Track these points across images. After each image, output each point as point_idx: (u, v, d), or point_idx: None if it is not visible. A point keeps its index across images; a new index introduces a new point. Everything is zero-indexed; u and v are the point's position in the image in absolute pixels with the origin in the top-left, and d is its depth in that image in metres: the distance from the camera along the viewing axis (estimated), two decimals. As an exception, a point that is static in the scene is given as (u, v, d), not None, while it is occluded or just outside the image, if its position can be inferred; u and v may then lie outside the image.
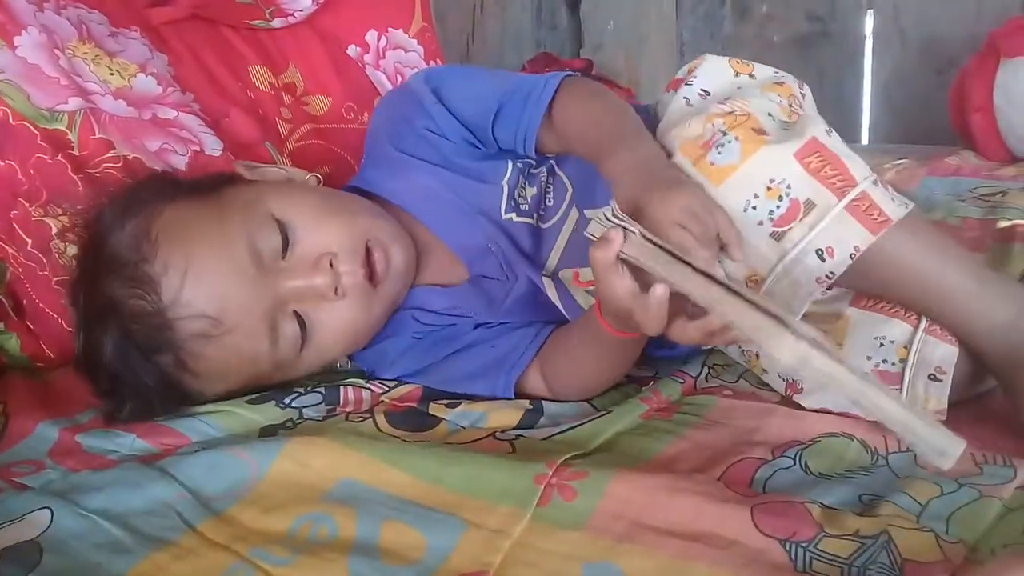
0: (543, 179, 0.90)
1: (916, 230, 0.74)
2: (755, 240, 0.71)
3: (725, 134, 0.71)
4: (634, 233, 0.64)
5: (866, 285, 0.76)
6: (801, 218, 0.70)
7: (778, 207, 0.70)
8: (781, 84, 0.82)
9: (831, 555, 0.59)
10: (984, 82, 1.66)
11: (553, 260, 0.88)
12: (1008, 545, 0.59)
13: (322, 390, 0.87)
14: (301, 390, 0.87)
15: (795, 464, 0.71)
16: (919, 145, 1.89)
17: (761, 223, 0.70)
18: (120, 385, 0.80)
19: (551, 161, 0.90)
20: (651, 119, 0.91)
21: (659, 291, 0.63)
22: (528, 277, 0.88)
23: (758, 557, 0.59)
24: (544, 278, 0.87)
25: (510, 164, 0.90)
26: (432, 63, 1.33)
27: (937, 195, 1.48)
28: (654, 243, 0.64)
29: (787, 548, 0.60)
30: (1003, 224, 1.25)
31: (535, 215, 0.89)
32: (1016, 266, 1.10)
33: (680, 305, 0.64)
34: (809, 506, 0.64)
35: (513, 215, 0.89)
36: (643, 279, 0.65)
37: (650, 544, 0.61)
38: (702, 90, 0.82)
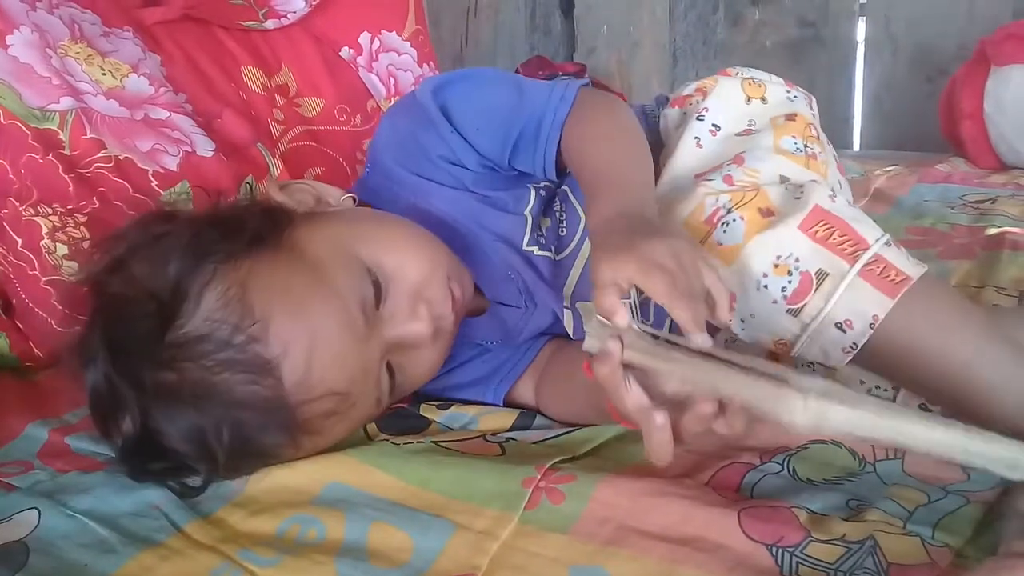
0: (556, 208, 0.87)
1: (931, 296, 0.68)
2: (775, 317, 0.68)
3: (730, 211, 0.70)
4: (627, 328, 0.60)
5: (883, 365, 0.70)
6: (815, 290, 0.67)
7: (789, 283, 0.67)
8: (793, 119, 0.80)
9: (817, 560, 0.59)
10: (974, 90, 1.67)
11: (568, 290, 0.86)
12: (995, 551, 0.59)
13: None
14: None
15: (783, 469, 0.71)
16: (909, 152, 1.89)
17: (775, 302, 0.68)
18: (183, 463, 0.70)
19: (564, 188, 0.87)
20: (647, 121, 0.92)
21: (659, 420, 0.58)
22: (549, 306, 0.86)
23: (745, 561, 0.59)
24: (565, 309, 0.85)
25: (532, 192, 0.86)
26: (425, 66, 1.33)
27: (927, 202, 1.48)
28: (649, 333, 0.61)
29: (774, 553, 0.60)
30: (992, 231, 1.26)
31: (552, 247, 0.87)
32: (1004, 273, 1.10)
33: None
34: (796, 511, 0.64)
35: (535, 248, 0.86)
36: (651, 381, 0.61)
37: (637, 548, 0.61)
38: (713, 125, 0.80)
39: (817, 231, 0.68)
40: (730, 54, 2.20)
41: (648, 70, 2.26)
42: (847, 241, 0.68)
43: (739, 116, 0.81)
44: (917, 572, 0.58)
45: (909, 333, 0.66)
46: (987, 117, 1.65)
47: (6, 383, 0.94)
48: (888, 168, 1.68)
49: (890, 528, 0.62)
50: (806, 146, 0.78)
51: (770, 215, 0.70)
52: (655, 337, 0.60)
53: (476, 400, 0.85)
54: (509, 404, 0.86)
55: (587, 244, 0.85)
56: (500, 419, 0.82)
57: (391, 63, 1.29)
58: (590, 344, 0.62)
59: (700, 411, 0.58)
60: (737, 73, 0.87)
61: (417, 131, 0.85)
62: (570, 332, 0.85)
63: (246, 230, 0.74)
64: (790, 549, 0.60)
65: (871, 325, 0.66)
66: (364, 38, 1.28)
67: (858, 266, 0.66)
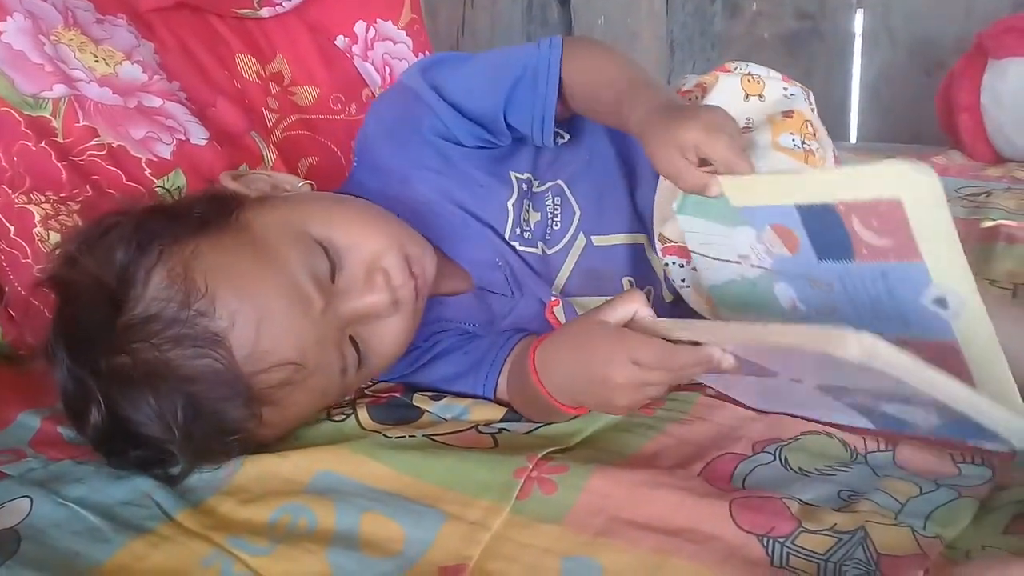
0: (549, 202, 0.88)
1: None
2: None
3: None
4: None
5: None
6: None
7: None
8: (791, 116, 0.81)
9: (808, 551, 0.59)
10: (972, 83, 1.67)
11: (559, 283, 0.87)
12: (986, 546, 0.60)
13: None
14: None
15: (775, 460, 0.71)
16: (907, 144, 1.90)
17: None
18: (163, 449, 0.70)
19: (560, 182, 0.88)
20: None
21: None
22: (536, 296, 0.86)
23: (736, 552, 0.59)
24: (554, 297, 0.86)
25: (515, 183, 0.87)
26: (421, 55, 1.32)
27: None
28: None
29: (764, 543, 0.60)
30: (987, 224, 1.26)
31: (539, 243, 0.87)
32: (999, 265, 1.11)
33: None
34: (788, 502, 0.64)
35: (517, 244, 0.87)
36: None
37: (629, 539, 0.61)
38: None
39: None
40: (728, 46, 2.20)
41: (646, 61, 2.25)
42: None
43: (737, 115, 0.81)
44: (907, 563, 0.58)
45: None
46: (984, 110, 1.65)
47: (-1, 371, 0.94)
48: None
49: (881, 519, 0.62)
50: (803, 142, 0.79)
51: None
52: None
53: (469, 393, 0.85)
54: (498, 399, 0.85)
55: (580, 239, 0.86)
56: (493, 410, 0.82)
57: (386, 52, 1.29)
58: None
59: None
60: (736, 69, 0.87)
61: (406, 112, 0.86)
62: (561, 320, 0.85)
63: (192, 214, 0.75)
64: (781, 540, 0.60)
65: None
66: (359, 27, 1.28)
67: None
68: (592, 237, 0.87)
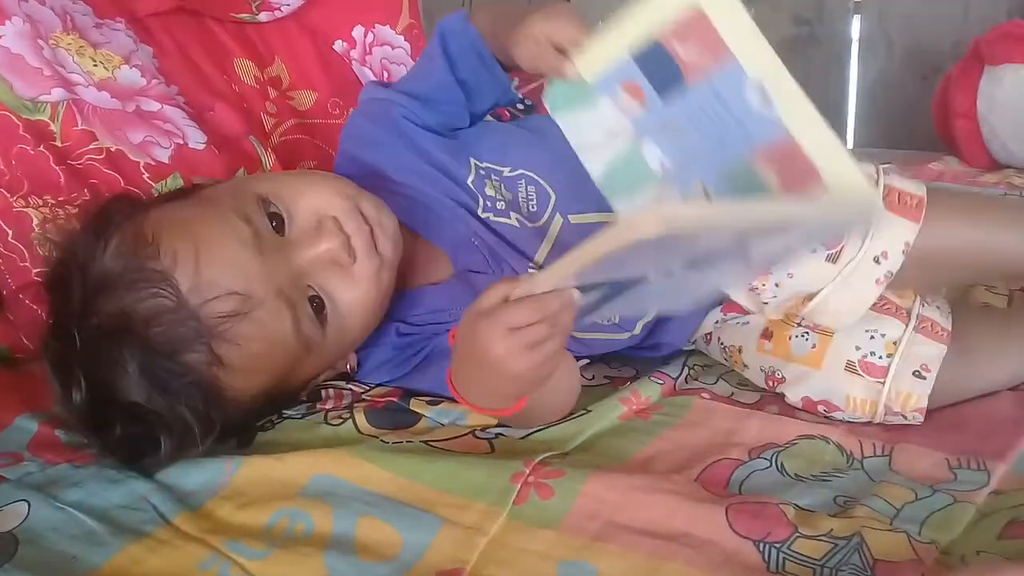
0: (523, 189, 0.89)
1: (946, 207, 0.77)
2: (813, 269, 0.74)
3: None
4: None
5: (919, 275, 0.77)
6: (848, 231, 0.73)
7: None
8: None
9: (804, 556, 0.59)
10: (968, 89, 1.67)
11: (540, 259, 0.88)
12: (981, 552, 0.60)
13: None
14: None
15: (771, 466, 0.72)
16: (903, 150, 1.90)
17: (815, 250, 0.73)
18: (148, 419, 0.71)
19: (531, 173, 0.90)
20: None
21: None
22: (514, 271, 0.87)
23: (732, 557, 0.60)
24: (531, 269, 0.87)
25: (472, 164, 0.90)
26: (419, 60, 1.33)
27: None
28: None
29: (761, 549, 0.60)
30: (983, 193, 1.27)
31: (512, 214, 0.89)
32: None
33: None
34: (784, 507, 0.64)
35: (491, 215, 0.88)
36: None
37: (625, 543, 0.61)
38: None
39: None
40: (725, 51, 2.21)
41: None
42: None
43: None
44: (903, 569, 0.58)
45: (948, 240, 0.76)
46: (980, 116, 1.65)
47: (-4, 375, 0.94)
48: (881, 166, 1.68)
49: (877, 525, 0.62)
50: None
51: None
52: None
53: None
54: None
55: (558, 218, 0.88)
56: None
57: (384, 57, 1.29)
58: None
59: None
60: None
61: (374, 111, 0.92)
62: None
63: (153, 197, 0.82)
64: (777, 545, 0.60)
65: (903, 251, 0.73)
66: (358, 31, 1.28)
67: (879, 199, 0.73)
68: (568, 216, 0.88)
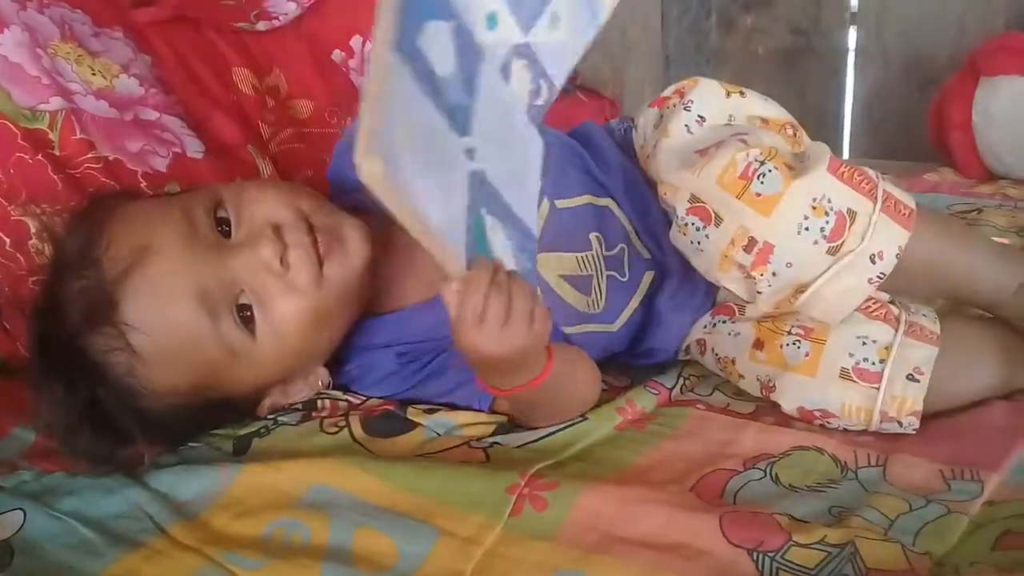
0: None
1: (929, 222, 0.80)
2: (813, 259, 0.75)
3: (763, 163, 0.74)
4: None
5: (897, 281, 0.78)
6: (849, 228, 0.74)
7: (827, 223, 0.74)
8: (767, 123, 0.84)
9: (798, 565, 0.60)
10: (964, 100, 1.67)
11: None
12: (975, 563, 0.60)
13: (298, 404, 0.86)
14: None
15: (765, 476, 0.72)
16: (899, 161, 1.90)
17: (816, 242, 0.74)
18: (72, 408, 0.74)
19: None
20: (613, 136, 0.98)
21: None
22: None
23: (727, 568, 0.60)
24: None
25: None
26: (416, 70, 1.33)
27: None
28: None
29: (755, 558, 0.60)
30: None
31: None
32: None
33: None
34: (778, 517, 0.64)
35: None
36: None
37: (621, 555, 0.61)
38: (699, 116, 0.83)
39: (843, 172, 0.75)
40: (723, 61, 2.21)
41: (641, 76, 2.26)
42: (863, 179, 0.76)
43: (721, 109, 0.85)
44: (896, 578, 0.58)
45: (923, 251, 0.78)
46: (976, 128, 1.66)
47: (-7, 383, 0.93)
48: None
49: (871, 535, 0.62)
50: (794, 134, 0.83)
51: (791, 170, 0.75)
52: None
53: (465, 405, 0.85)
54: (494, 410, 0.85)
55: (545, 203, 0.88)
56: (484, 425, 0.82)
57: (382, 67, 1.29)
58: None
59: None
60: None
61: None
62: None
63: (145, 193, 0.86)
64: (771, 554, 0.60)
65: (897, 255, 0.75)
66: (355, 41, 1.28)
67: (879, 204, 0.75)
68: (555, 200, 0.89)
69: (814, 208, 0.74)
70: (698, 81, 0.86)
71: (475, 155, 0.59)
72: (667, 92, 0.89)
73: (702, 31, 2.24)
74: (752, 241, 0.75)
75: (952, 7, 1.96)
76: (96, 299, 0.73)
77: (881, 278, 0.76)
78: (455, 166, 0.58)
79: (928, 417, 0.77)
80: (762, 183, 0.74)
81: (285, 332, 0.79)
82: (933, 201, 1.54)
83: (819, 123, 2.07)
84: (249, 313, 0.77)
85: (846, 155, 2.14)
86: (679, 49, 2.24)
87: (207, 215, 0.78)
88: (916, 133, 1.87)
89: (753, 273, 0.76)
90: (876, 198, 0.75)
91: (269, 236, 0.77)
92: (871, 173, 0.77)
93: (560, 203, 0.90)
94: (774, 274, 0.75)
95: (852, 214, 0.74)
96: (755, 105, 0.86)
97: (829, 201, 0.74)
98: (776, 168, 0.74)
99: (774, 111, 0.86)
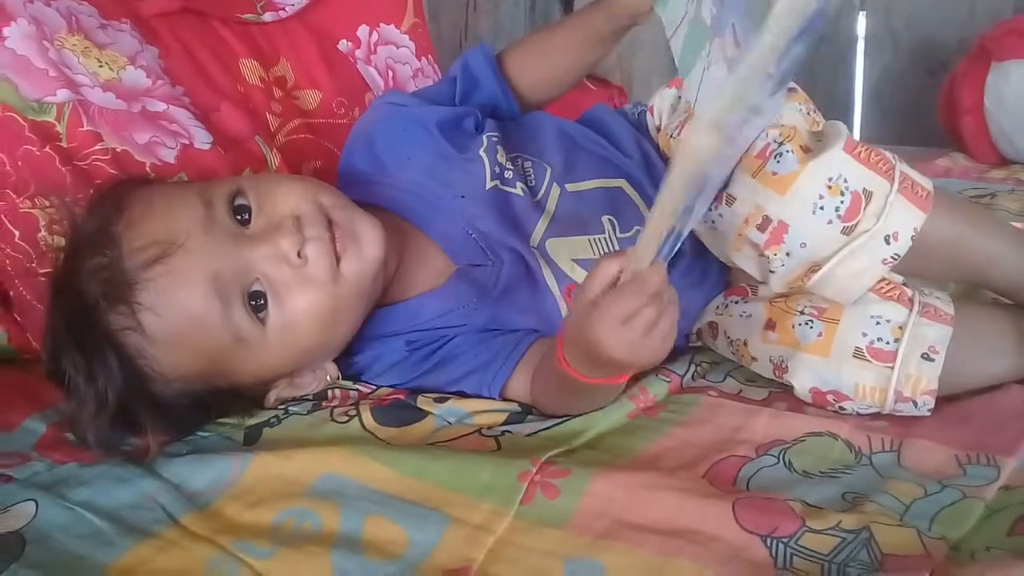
0: (520, 164, 0.92)
1: (946, 204, 0.79)
2: (828, 238, 0.75)
3: (780, 144, 0.75)
4: None
5: (912, 263, 0.78)
6: (864, 208, 0.74)
7: (842, 202, 0.74)
8: (795, 91, 0.83)
9: (811, 551, 0.59)
10: (974, 85, 1.66)
11: (539, 233, 0.88)
12: (991, 548, 0.60)
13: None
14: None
15: (779, 462, 0.71)
16: (910, 147, 1.89)
17: (831, 221, 0.74)
18: (80, 385, 0.75)
19: (527, 155, 0.93)
20: (627, 118, 1.00)
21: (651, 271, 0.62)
22: (513, 255, 0.87)
23: (739, 553, 0.59)
24: (533, 250, 0.87)
25: (484, 138, 0.92)
26: (424, 59, 1.33)
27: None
28: None
29: (768, 544, 0.60)
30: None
31: (518, 184, 0.90)
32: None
33: None
34: (791, 503, 0.64)
35: (498, 183, 0.89)
36: None
37: (632, 541, 0.61)
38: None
39: (859, 152, 0.75)
40: (731, 48, 2.20)
41: (649, 66, 2.25)
42: (880, 160, 0.75)
43: None
44: (912, 564, 0.58)
45: (940, 234, 0.78)
46: (987, 112, 1.65)
47: (5, 376, 0.94)
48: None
49: (886, 520, 0.62)
50: (809, 112, 0.82)
51: (808, 152, 0.75)
52: None
53: (475, 394, 0.85)
54: (505, 399, 0.85)
55: (555, 188, 0.90)
56: (496, 413, 0.82)
57: (389, 56, 1.29)
58: None
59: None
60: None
61: (374, 114, 0.97)
62: (542, 273, 0.87)
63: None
64: (784, 540, 0.60)
65: (912, 237, 0.75)
66: (362, 31, 1.28)
67: (896, 184, 0.74)
68: (566, 185, 0.90)
69: (830, 187, 0.73)
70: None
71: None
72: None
73: (710, 19, 2.22)
74: (767, 220, 0.75)
75: (962, -9, 1.95)
76: (112, 278, 0.74)
77: (895, 259, 0.75)
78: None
79: (943, 401, 0.77)
80: (778, 162, 0.74)
81: (297, 324, 0.79)
82: (945, 186, 1.53)
83: (829, 110, 2.05)
84: (262, 302, 0.77)
85: (856, 142, 2.13)
86: (687, 38, 2.23)
87: (226, 203, 0.79)
88: (927, 118, 1.86)
89: (767, 252, 0.76)
90: (893, 178, 0.75)
91: (289, 227, 0.77)
92: (888, 154, 0.77)
93: (570, 187, 0.90)
94: (788, 254, 0.75)
95: (868, 194, 0.74)
96: None
97: (845, 181, 0.74)
98: (792, 149, 0.74)
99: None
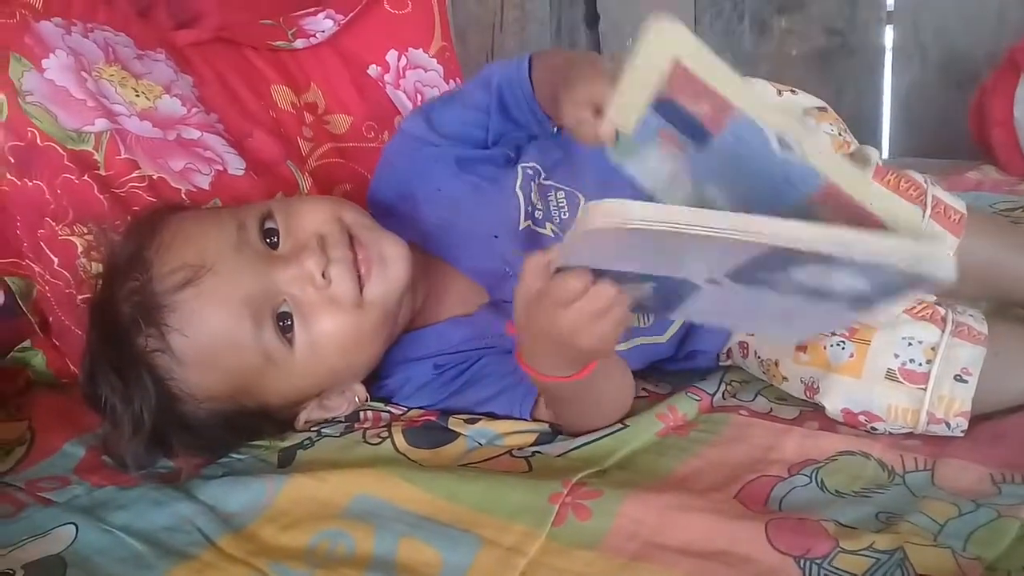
0: (553, 196, 0.90)
1: (980, 225, 0.80)
2: None
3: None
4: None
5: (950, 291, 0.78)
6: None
7: None
8: (825, 110, 0.83)
9: (846, 572, 0.59)
10: (1004, 96, 1.65)
11: None
12: (1027, 567, 0.59)
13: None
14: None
15: (811, 482, 0.71)
16: (939, 160, 1.87)
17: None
18: (116, 406, 0.77)
19: (560, 184, 0.90)
20: None
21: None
22: None
23: (772, 575, 0.59)
24: None
25: (520, 171, 0.90)
26: (452, 82, 1.34)
27: (958, 210, 1.47)
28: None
29: (801, 565, 0.60)
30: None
31: (548, 224, 0.89)
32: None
33: None
34: (825, 523, 0.64)
35: (531, 223, 0.88)
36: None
37: (664, 563, 0.61)
38: None
39: (890, 179, 0.74)
40: (757, 64, 2.19)
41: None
42: (912, 186, 0.74)
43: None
44: (947, 584, 0.57)
45: (974, 255, 0.77)
46: (1017, 124, 1.63)
47: (45, 400, 0.96)
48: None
49: (920, 540, 0.61)
50: (842, 132, 0.82)
51: None
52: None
53: (506, 415, 0.85)
54: (535, 418, 0.85)
55: None
56: (526, 435, 0.82)
57: (418, 80, 1.30)
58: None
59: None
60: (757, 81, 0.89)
61: (403, 147, 0.94)
62: None
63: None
64: (818, 561, 0.60)
65: None
66: (391, 56, 1.29)
67: (928, 210, 0.74)
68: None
69: None
70: (749, 81, 0.85)
71: None
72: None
73: (735, 34, 2.22)
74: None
75: (990, 3, 1.93)
76: (144, 301, 0.76)
77: None
78: None
79: (976, 420, 0.76)
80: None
81: (323, 345, 0.80)
82: (976, 199, 1.51)
83: (857, 123, 2.04)
84: (289, 323, 0.78)
85: (885, 155, 2.11)
86: (713, 53, 2.23)
87: (257, 226, 0.80)
88: (956, 131, 1.84)
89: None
90: (925, 204, 0.74)
91: (314, 248, 0.79)
92: (919, 178, 0.76)
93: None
94: None
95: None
96: (807, 99, 0.85)
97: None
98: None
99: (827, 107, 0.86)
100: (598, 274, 0.60)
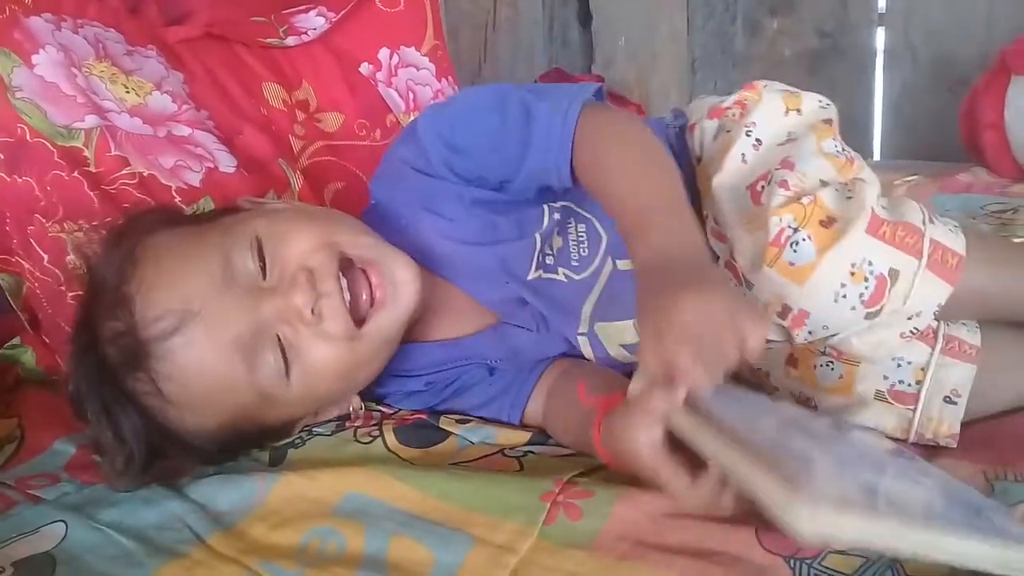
0: (573, 229, 0.84)
1: (983, 249, 0.76)
2: (851, 324, 0.72)
3: (796, 231, 0.71)
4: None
5: (947, 312, 0.75)
6: (889, 290, 0.71)
7: (866, 288, 0.70)
8: (830, 123, 0.82)
9: (836, 571, 0.59)
10: (995, 99, 1.65)
11: (587, 312, 0.84)
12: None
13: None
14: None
15: (802, 482, 0.71)
16: (930, 161, 1.88)
17: (854, 308, 0.71)
18: (105, 434, 0.74)
19: (586, 213, 0.84)
20: (666, 135, 0.89)
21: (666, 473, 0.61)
22: (561, 334, 0.85)
23: (763, 574, 0.59)
24: (579, 336, 0.84)
25: (546, 212, 0.83)
26: (444, 80, 1.34)
27: (948, 212, 1.46)
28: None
29: (792, 565, 0.60)
30: (1015, 242, 1.25)
31: (560, 269, 0.84)
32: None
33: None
34: (815, 524, 0.64)
35: (541, 272, 0.84)
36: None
37: (655, 563, 0.61)
38: (757, 140, 0.80)
39: (884, 231, 0.71)
40: (749, 65, 2.20)
41: (667, 81, 2.26)
42: (907, 234, 0.71)
43: (780, 129, 0.81)
44: (937, 586, 0.57)
45: (978, 282, 0.74)
46: (1008, 126, 1.64)
47: (34, 397, 0.95)
48: (908, 178, 1.67)
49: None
50: (844, 149, 0.80)
51: (832, 223, 0.71)
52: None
53: (494, 419, 0.85)
54: (525, 424, 0.85)
55: (608, 264, 0.83)
56: (519, 434, 0.82)
57: (410, 78, 1.30)
58: (633, 388, 0.63)
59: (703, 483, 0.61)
60: (766, 86, 0.86)
61: (419, 166, 0.84)
62: (588, 356, 0.85)
63: (185, 215, 0.86)
64: (808, 561, 0.60)
65: (935, 314, 0.72)
66: (383, 54, 1.29)
67: (924, 260, 0.71)
68: (617, 261, 0.83)
69: (853, 274, 0.70)
70: (762, 95, 0.84)
71: None
72: (728, 102, 0.85)
73: (727, 35, 2.23)
74: (786, 308, 0.73)
75: (980, 6, 1.94)
76: (129, 347, 0.73)
77: (914, 333, 0.74)
78: None
79: (966, 425, 0.76)
80: (795, 252, 0.71)
81: (317, 377, 0.78)
82: (967, 202, 1.52)
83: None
84: (283, 356, 0.76)
85: (877, 157, 2.12)
86: (705, 54, 2.23)
87: (244, 256, 0.76)
88: (947, 133, 1.85)
89: (789, 330, 0.75)
90: (922, 252, 0.71)
91: (301, 283, 0.75)
92: (916, 222, 0.72)
93: (621, 264, 0.83)
94: (810, 332, 0.73)
95: (895, 274, 0.71)
96: (814, 115, 0.83)
97: (870, 264, 0.70)
98: (809, 237, 0.71)
99: (833, 113, 0.85)
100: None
